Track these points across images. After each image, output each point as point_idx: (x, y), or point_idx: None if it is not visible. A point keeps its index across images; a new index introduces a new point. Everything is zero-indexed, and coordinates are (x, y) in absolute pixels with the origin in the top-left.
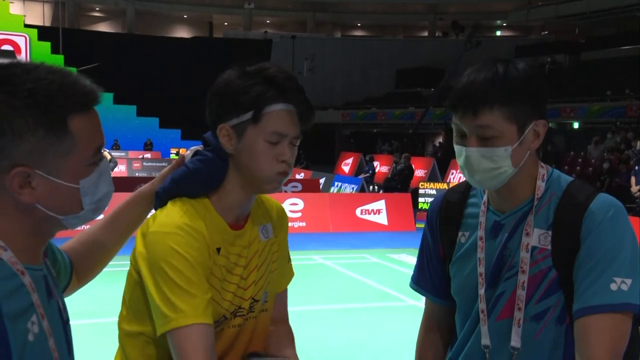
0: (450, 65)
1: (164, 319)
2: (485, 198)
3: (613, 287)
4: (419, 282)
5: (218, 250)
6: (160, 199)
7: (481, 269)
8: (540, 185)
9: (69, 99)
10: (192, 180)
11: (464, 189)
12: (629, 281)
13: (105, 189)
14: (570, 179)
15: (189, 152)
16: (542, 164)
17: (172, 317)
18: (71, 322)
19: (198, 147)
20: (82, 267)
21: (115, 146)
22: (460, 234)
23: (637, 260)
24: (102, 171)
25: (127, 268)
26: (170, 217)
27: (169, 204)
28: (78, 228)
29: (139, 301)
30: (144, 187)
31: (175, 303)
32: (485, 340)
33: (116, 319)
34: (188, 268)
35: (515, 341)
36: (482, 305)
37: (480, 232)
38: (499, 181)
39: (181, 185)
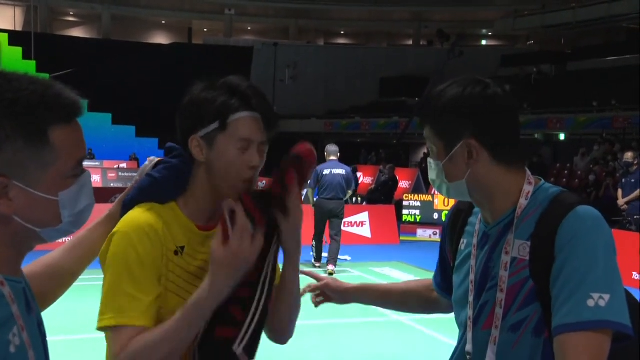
0: (434, 75)
1: (104, 314)
2: None
3: (590, 303)
4: (435, 275)
5: (182, 249)
6: (126, 208)
7: (472, 276)
8: (522, 203)
9: (51, 110)
10: (158, 188)
11: None
12: (606, 297)
13: (86, 202)
14: (559, 190)
15: (147, 162)
16: (532, 179)
17: (112, 315)
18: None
19: (157, 157)
20: (42, 290)
21: (90, 155)
22: (462, 241)
23: (615, 274)
24: (84, 184)
25: (98, 283)
26: (131, 217)
27: (135, 208)
28: (59, 240)
29: None
30: (111, 209)
31: (119, 302)
32: (469, 347)
33: (89, 335)
34: (139, 268)
35: (490, 358)
36: (469, 312)
37: (474, 240)
38: (448, 192)
39: (148, 194)
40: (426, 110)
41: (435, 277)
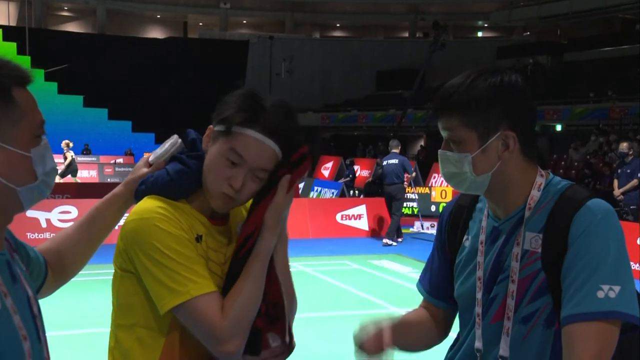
0: (423, 67)
1: (172, 293)
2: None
3: (600, 294)
4: (421, 279)
5: (200, 237)
6: (139, 198)
7: (480, 273)
8: (535, 194)
9: (9, 72)
10: (172, 189)
11: (474, 195)
12: (617, 288)
13: (51, 164)
14: (569, 183)
15: (174, 141)
16: (542, 172)
17: (183, 289)
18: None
19: (178, 142)
20: (58, 266)
21: (86, 151)
22: (465, 237)
23: (626, 266)
24: (47, 146)
25: (98, 278)
26: (148, 207)
27: (145, 198)
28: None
29: (126, 294)
30: (117, 188)
31: (180, 277)
32: (478, 344)
33: (88, 330)
34: (178, 244)
35: (504, 350)
36: (478, 308)
37: (482, 237)
38: (469, 187)
39: (161, 191)
40: (456, 99)
41: (423, 283)
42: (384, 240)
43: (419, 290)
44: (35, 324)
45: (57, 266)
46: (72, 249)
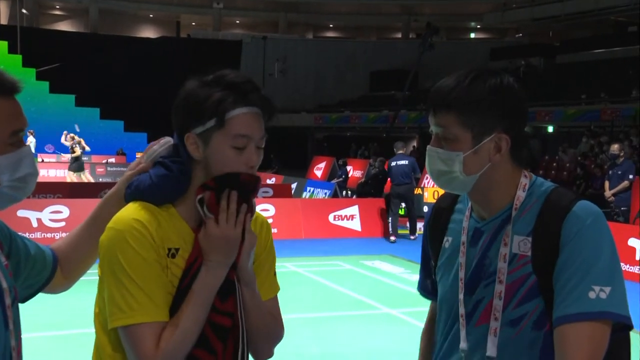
0: (414, 68)
1: (120, 313)
2: (469, 204)
3: (591, 295)
4: (422, 286)
5: (177, 250)
6: (127, 201)
7: (462, 274)
8: (521, 195)
9: None
10: (155, 194)
11: (454, 195)
12: (607, 289)
13: (28, 170)
14: (553, 185)
15: (158, 147)
16: (527, 173)
17: (127, 314)
18: (33, 334)
19: (169, 142)
20: (67, 264)
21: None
22: (445, 239)
23: (616, 268)
24: (25, 155)
25: (89, 279)
26: (125, 216)
27: (129, 204)
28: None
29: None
30: (112, 190)
31: (130, 300)
32: (463, 344)
33: (78, 330)
34: (141, 264)
35: (491, 350)
36: (461, 309)
37: (463, 238)
38: (455, 186)
39: (144, 196)
40: (455, 97)
41: (424, 288)
42: (412, 238)
43: (424, 296)
44: (5, 314)
45: (65, 264)
46: (77, 247)
